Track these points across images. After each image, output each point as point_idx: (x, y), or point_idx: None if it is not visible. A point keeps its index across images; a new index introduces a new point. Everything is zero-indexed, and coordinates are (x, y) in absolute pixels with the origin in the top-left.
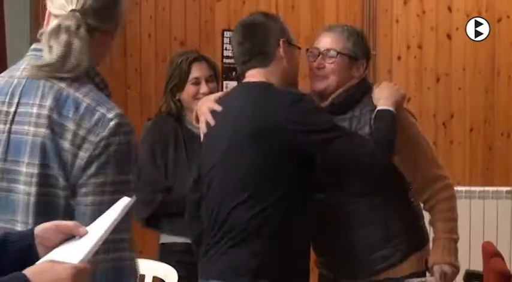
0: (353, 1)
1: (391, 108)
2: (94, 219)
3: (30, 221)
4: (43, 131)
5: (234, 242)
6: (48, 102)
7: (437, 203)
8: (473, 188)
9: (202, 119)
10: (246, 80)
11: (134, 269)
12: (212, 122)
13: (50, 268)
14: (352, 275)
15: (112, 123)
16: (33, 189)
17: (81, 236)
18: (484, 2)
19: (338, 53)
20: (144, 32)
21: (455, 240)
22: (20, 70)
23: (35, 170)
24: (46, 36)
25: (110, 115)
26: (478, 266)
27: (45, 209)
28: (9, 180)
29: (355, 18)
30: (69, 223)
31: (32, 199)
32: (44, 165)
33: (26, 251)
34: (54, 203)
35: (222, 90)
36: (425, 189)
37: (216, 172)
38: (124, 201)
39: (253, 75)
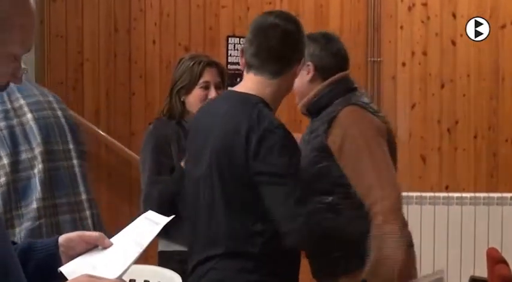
0: (357, 8)
1: None
2: None
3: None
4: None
5: (223, 257)
6: None
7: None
8: (477, 194)
9: None
10: (239, 87)
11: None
12: None
13: None
14: (318, 275)
15: None
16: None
17: (104, 247)
18: (488, 8)
19: None
20: (149, 39)
21: (379, 260)
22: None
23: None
24: None
25: None
26: (482, 272)
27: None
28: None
29: (360, 25)
30: (94, 234)
31: (77, 170)
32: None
33: (50, 259)
34: None
35: None
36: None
37: (203, 185)
38: (162, 219)
39: (252, 84)
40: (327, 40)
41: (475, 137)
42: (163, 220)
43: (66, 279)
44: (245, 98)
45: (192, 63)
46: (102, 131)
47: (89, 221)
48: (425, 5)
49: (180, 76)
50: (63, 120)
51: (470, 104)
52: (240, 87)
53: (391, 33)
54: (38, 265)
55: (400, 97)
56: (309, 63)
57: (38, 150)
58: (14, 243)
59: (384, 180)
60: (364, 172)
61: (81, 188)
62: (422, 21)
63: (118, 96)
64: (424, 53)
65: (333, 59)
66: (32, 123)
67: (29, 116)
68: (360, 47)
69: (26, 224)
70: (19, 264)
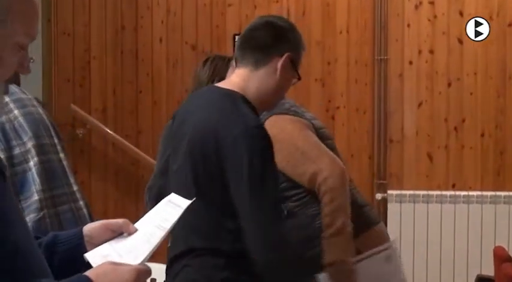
0: (364, 6)
1: None
2: None
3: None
4: None
5: (195, 254)
6: None
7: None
8: (484, 193)
9: None
10: (222, 83)
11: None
12: None
13: (113, 270)
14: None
15: None
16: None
17: (129, 233)
18: (496, 6)
19: None
20: (156, 37)
21: (332, 234)
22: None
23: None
24: None
25: None
26: (489, 270)
27: None
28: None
29: (367, 23)
30: (118, 221)
31: (65, 163)
32: None
33: (75, 250)
34: None
35: None
36: (314, 190)
37: (179, 178)
38: (183, 202)
39: (236, 78)
40: None
41: (482, 135)
42: (185, 203)
43: (91, 268)
44: (225, 94)
45: (227, 59)
46: (109, 129)
47: (84, 211)
48: (432, 3)
49: (217, 71)
50: (44, 116)
51: (477, 102)
52: (223, 83)
53: (398, 31)
54: (64, 257)
55: (407, 95)
56: None
57: (30, 144)
58: (37, 238)
59: (321, 164)
60: (301, 166)
61: (71, 180)
62: (429, 20)
63: (125, 94)
64: (431, 52)
65: None
66: (20, 119)
67: (16, 112)
68: (367, 45)
69: (31, 216)
70: (40, 252)
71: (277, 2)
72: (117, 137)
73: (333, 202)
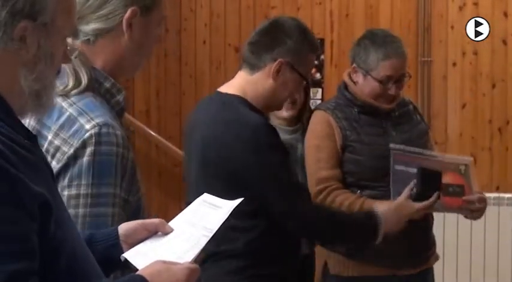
0: (408, 7)
1: None
2: None
3: None
4: None
5: (213, 260)
6: None
7: None
8: None
9: None
10: (225, 87)
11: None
12: None
13: (167, 269)
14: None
15: (88, 134)
16: None
17: (165, 233)
18: None
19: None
20: (199, 39)
21: None
22: None
23: None
24: None
25: (88, 126)
26: None
27: None
28: None
29: (410, 24)
30: (155, 221)
31: None
32: None
33: (111, 249)
34: None
35: None
36: None
37: (195, 189)
38: (223, 203)
39: (236, 80)
40: None
41: None
42: (225, 204)
43: (128, 268)
44: (225, 102)
45: None
46: (153, 131)
47: None
48: (476, 4)
49: None
50: None
51: None
52: (226, 85)
53: (441, 33)
54: (100, 256)
55: (450, 97)
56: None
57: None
58: None
59: None
60: None
61: None
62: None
63: (168, 96)
64: (475, 53)
65: None
66: None
67: None
68: (411, 47)
69: None
70: (90, 252)
71: (320, 3)
72: (161, 138)
73: None
